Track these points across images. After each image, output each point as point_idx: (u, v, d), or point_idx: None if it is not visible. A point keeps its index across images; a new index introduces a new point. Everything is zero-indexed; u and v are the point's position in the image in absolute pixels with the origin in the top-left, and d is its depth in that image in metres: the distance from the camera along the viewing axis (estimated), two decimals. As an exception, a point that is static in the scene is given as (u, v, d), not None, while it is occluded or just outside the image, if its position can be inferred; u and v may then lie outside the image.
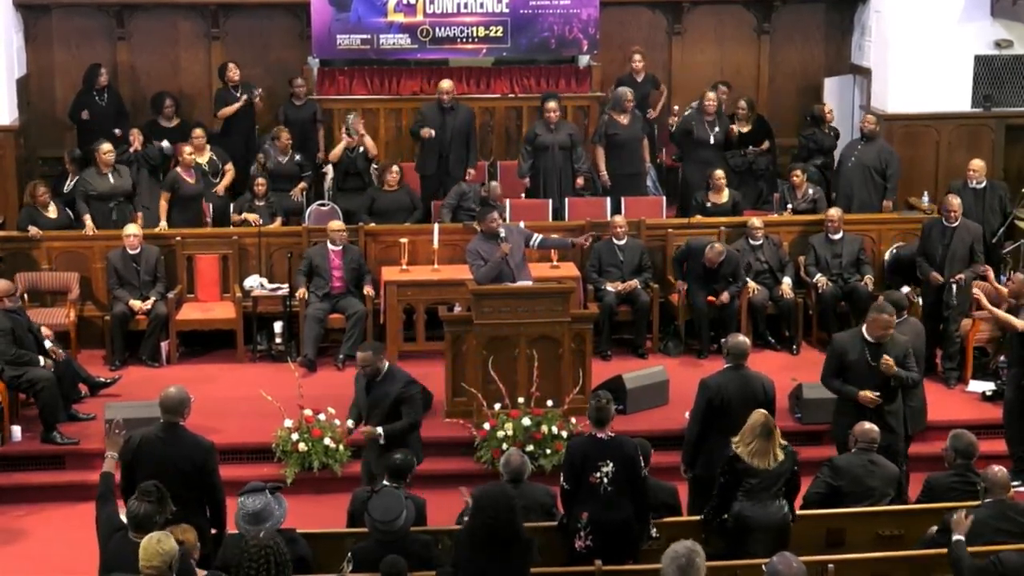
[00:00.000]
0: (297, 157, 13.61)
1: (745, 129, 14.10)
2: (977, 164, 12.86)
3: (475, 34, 14.23)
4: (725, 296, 12.15)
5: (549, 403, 10.47)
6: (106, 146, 12.71)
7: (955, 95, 14.24)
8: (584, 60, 14.66)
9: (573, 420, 10.35)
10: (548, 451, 10.19)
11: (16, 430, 10.52)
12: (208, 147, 13.44)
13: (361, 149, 13.65)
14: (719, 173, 13.18)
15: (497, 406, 10.45)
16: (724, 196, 13.16)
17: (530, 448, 10.07)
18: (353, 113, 13.80)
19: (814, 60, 15.59)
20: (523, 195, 13.55)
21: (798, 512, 7.99)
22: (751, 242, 12.57)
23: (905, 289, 11.47)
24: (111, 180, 12.68)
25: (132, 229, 12.12)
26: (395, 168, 13.21)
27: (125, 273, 12.07)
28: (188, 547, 6.59)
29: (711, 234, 12.63)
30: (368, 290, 12.23)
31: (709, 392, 8.73)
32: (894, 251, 12.83)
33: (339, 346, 12.09)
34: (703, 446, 8.77)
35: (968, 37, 14.09)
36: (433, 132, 13.34)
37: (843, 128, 14.74)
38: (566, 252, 12.48)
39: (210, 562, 7.22)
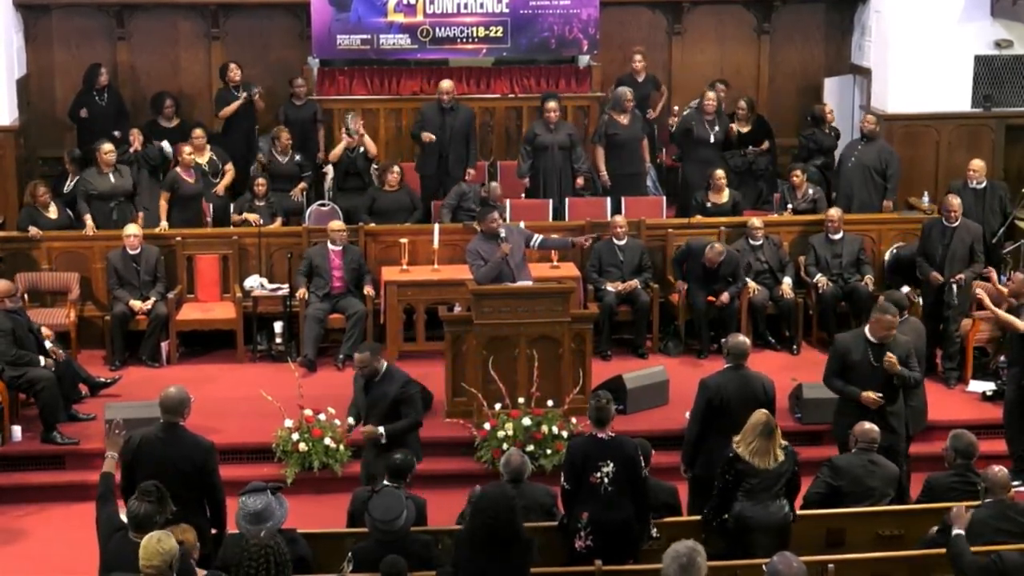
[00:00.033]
0: (297, 157, 13.61)
1: (745, 129, 14.11)
2: (977, 164, 12.86)
3: (475, 34, 14.23)
4: (725, 296, 12.15)
5: (549, 403, 10.47)
6: (107, 146, 12.71)
7: (955, 95, 14.24)
8: (584, 60, 14.66)
9: (573, 420, 10.35)
10: (548, 451, 10.19)
11: (16, 430, 10.52)
12: (208, 147, 13.44)
13: (361, 149, 13.65)
14: (719, 173, 13.18)
15: (497, 406, 10.45)
16: (724, 196, 13.16)
17: (530, 448, 10.07)
18: (352, 113, 13.79)
19: (814, 60, 15.59)
20: (523, 195, 13.55)
21: (798, 512, 7.99)
22: (751, 242, 12.57)
23: (905, 289, 11.47)
24: (112, 180, 12.68)
25: (132, 229, 12.12)
26: (396, 168, 13.20)
27: (125, 273, 12.07)
28: (188, 547, 6.59)
29: (711, 234, 12.63)
30: (368, 290, 12.23)
31: (709, 392, 8.73)
32: (894, 251, 12.83)
33: (339, 346, 12.10)
34: (703, 446, 8.77)
35: (968, 37, 14.09)
36: (434, 137, 13.34)
37: (843, 128, 14.74)
38: (566, 252, 12.48)
39: (210, 562, 7.22)
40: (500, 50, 14.40)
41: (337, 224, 12.38)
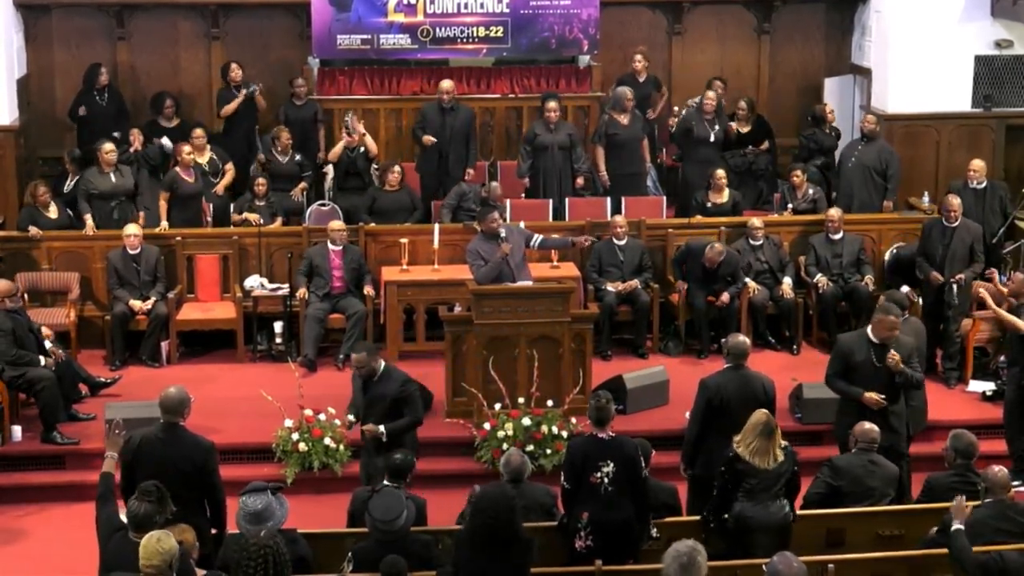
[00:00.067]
0: (297, 157, 13.60)
1: (745, 129, 14.11)
2: (977, 164, 12.85)
3: (475, 34, 14.23)
4: (725, 296, 12.15)
5: (549, 403, 10.47)
6: (108, 145, 12.71)
7: (955, 95, 14.24)
8: (584, 60, 14.66)
9: (573, 420, 10.35)
10: (548, 451, 10.19)
11: (16, 430, 10.52)
12: (208, 147, 13.45)
13: (362, 149, 13.64)
14: (720, 172, 13.18)
15: (497, 406, 10.45)
16: (724, 196, 13.16)
17: (530, 448, 10.07)
18: (351, 112, 13.79)
19: (814, 60, 15.59)
20: (523, 195, 13.55)
21: (798, 512, 7.99)
22: (751, 242, 12.57)
23: (905, 289, 11.47)
24: (113, 179, 12.68)
25: (132, 229, 12.12)
26: (396, 168, 13.20)
27: (125, 273, 12.08)
28: (187, 547, 6.59)
29: (711, 234, 12.63)
30: (368, 290, 12.23)
31: (708, 392, 8.73)
32: (894, 251, 12.83)
33: (339, 346, 12.09)
34: (702, 446, 8.77)
35: (968, 37, 14.09)
36: (435, 139, 13.34)
37: (843, 128, 14.74)
38: (566, 252, 12.48)
39: (211, 562, 7.22)
40: (500, 50, 14.40)
41: (337, 224, 12.38)
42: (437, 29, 14.16)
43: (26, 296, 11.81)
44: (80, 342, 12.21)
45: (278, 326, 12.19)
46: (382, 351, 11.46)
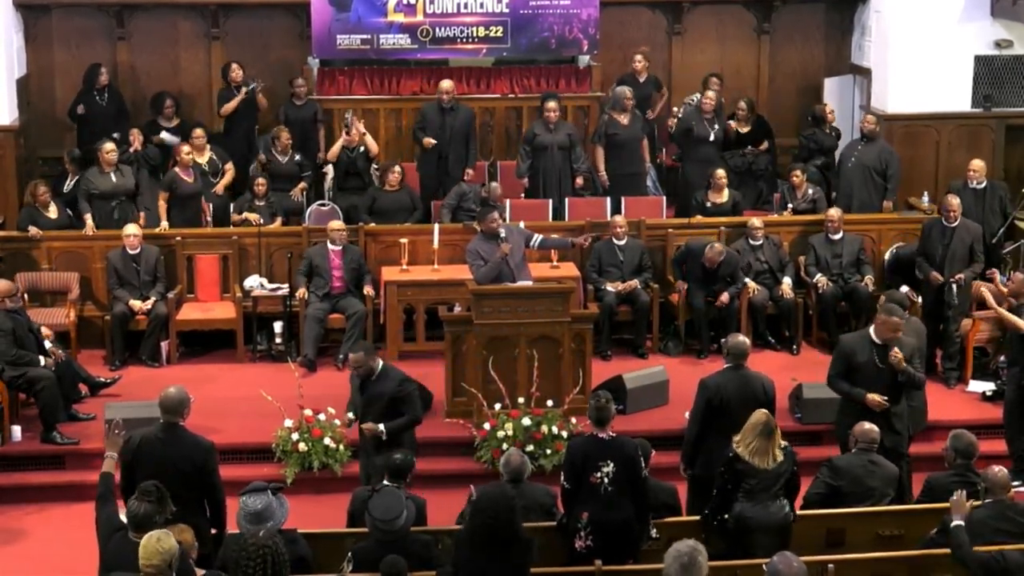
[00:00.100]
0: (297, 157, 13.60)
1: (745, 129, 14.11)
2: (977, 164, 12.85)
3: (475, 34, 14.23)
4: (725, 297, 12.15)
5: (549, 403, 10.47)
6: (108, 145, 12.71)
7: (955, 95, 14.24)
8: (584, 60, 14.65)
9: (573, 420, 10.35)
10: (548, 451, 10.19)
11: (16, 430, 10.52)
12: (208, 147, 13.45)
13: (362, 149, 13.64)
14: (720, 172, 13.17)
15: (497, 406, 10.45)
16: (724, 196, 13.16)
17: (530, 448, 10.07)
18: (350, 111, 13.79)
19: (814, 60, 15.59)
20: (522, 195, 13.55)
21: (798, 512, 7.99)
22: (751, 242, 12.57)
23: (904, 289, 11.47)
24: (113, 179, 12.68)
25: (132, 229, 12.12)
26: (397, 168, 13.20)
27: (125, 273, 12.08)
28: (185, 547, 6.59)
29: (711, 234, 12.64)
30: (368, 290, 12.23)
31: (708, 392, 8.73)
32: (894, 251, 12.82)
33: (339, 346, 12.09)
34: (702, 446, 8.77)
35: (968, 37, 14.08)
36: (435, 142, 13.34)
37: (843, 128, 14.73)
38: (566, 252, 12.48)
39: (210, 562, 7.22)
40: (500, 50, 14.40)
41: (337, 224, 12.38)
42: (437, 29, 14.16)
43: (26, 296, 11.81)
44: (80, 342, 12.21)
45: (278, 326, 12.19)
46: (381, 351, 11.49)
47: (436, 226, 12.51)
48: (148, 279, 12.10)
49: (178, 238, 12.53)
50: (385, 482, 7.72)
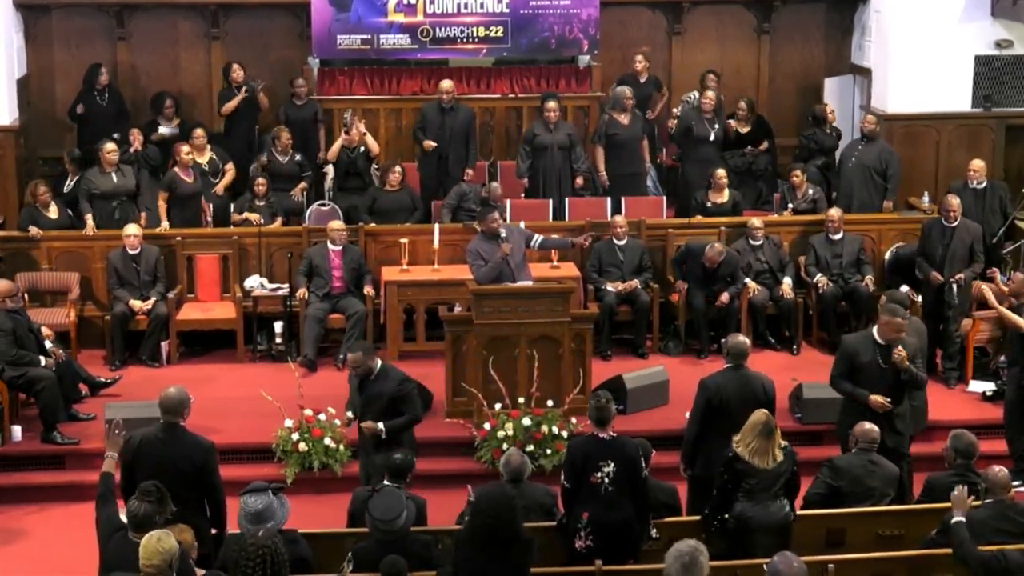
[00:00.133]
0: (297, 157, 13.60)
1: (745, 130, 14.11)
2: (977, 164, 12.85)
3: (475, 34, 14.23)
4: (725, 297, 12.15)
5: (549, 403, 10.46)
6: (109, 145, 12.71)
7: (955, 95, 14.23)
8: (584, 60, 14.66)
9: (573, 420, 10.35)
10: (548, 451, 10.19)
11: (16, 430, 10.52)
12: (208, 147, 13.45)
13: (362, 149, 13.64)
14: (720, 172, 13.17)
15: (497, 406, 10.45)
16: (724, 196, 13.16)
17: (530, 448, 10.07)
18: (349, 111, 13.80)
19: (814, 60, 15.58)
20: (522, 195, 13.55)
21: (798, 512, 7.98)
22: (751, 242, 12.57)
23: (904, 289, 11.47)
24: (114, 179, 12.68)
25: (132, 229, 12.12)
26: (397, 168, 13.21)
27: (125, 273, 12.08)
28: (185, 547, 6.59)
29: (711, 234, 12.64)
30: (368, 290, 12.23)
31: (708, 392, 8.73)
32: (894, 251, 12.82)
33: (339, 346, 12.09)
34: (702, 446, 8.77)
35: (968, 37, 14.08)
36: (434, 144, 13.34)
37: (843, 128, 14.73)
38: (566, 252, 12.48)
39: (210, 562, 7.22)
40: (500, 50, 14.40)
41: (337, 224, 12.38)
42: (437, 29, 14.16)
43: (26, 296, 11.80)
44: (80, 342, 12.21)
45: (278, 326, 12.19)
46: (382, 351, 11.49)
47: (436, 226, 12.51)
48: (148, 279, 12.10)
49: (178, 238, 12.53)
50: (385, 482, 7.72)
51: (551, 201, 13.30)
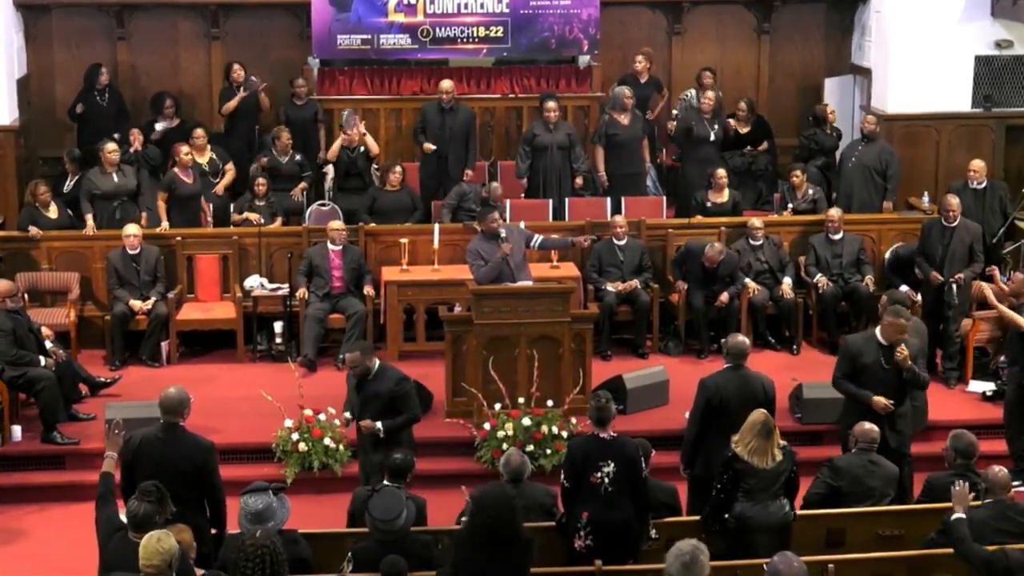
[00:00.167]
0: (298, 157, 13.60)
1: (744, 130, 14.11)
2: (977, 164, 12.85)
3: (475, 34, 14.23)
4: (724, 297, 12.16)
5: (549, 403, 10.46)
6: (111, 145, 12.72)
7: (955, 95, 14.23)
8: (584, 60, 14.65)
9: (573, 420, 10.35)
10: (548, 451, 10.19)
11: (16, 430, 10.52)
12: (209, 147, 13.45)
13: (362, 149, 13.65)
14: (721, 172, 13.17)
15: (497, 406, 10.45)
16: (724, 196, 13.16)
17: (530, 448, 10.06)
18: (348, 110, 13.80)
19: (814, 60, 15.58)
20: (522, 195, 13.55)
21: (798, 512, 7.98)
22: (751, 242, 12.57)
23: (903, 288, 11.47)
24: (115, 180, 12.68)
25: (132, 229, 12.12)
26: (398, 168, 13.21)
27: (125, 273, 12.08)
28: (184, 546, 6.59)
29: (711, 234, 12.64)
30: (368, 290, 12.23)
31: (708, 392, 8.73)
32: (894, 250, 12.81)
33: (339, 346, 12.09)
34: (701, 446, 8.77)
35: (968, 37, 14.08)
36: (434, 147, 13.34)
37: (843, 128, 14.73)
38: (566, 252, 12.48)
39: (209, 561, 7.22)
40: (500, 50, 14.40)
41: (336, 224, 12.38)
42: (437, 29, 14.16)
43: (26, 296, 11.80)
44: (80, 342, 12.21)
45: (278, 326, 12.19)
46: (382, 351, 11.50)
47: (436, 226, 12.51)
48: (148, 279, 12.10)
49: (178, 238, 12.53)
50: (385, 482, 7.72)
51: (551, 201, 13.30)
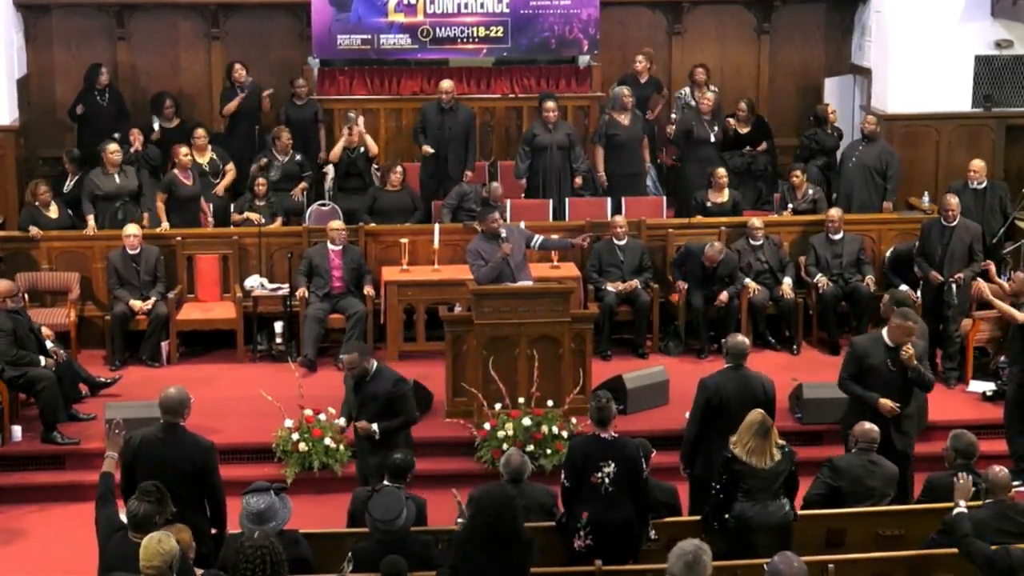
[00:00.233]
0: (298, 157, 13.60)
1: (744, 130, 14.10)
2: (977, 164, 12.85)
3: (475, 34, 14.23)
4: (724, 296, 12.16)
5: (549, 403, 10.46)
6: (112, 146, 12.72)
7: (955, 95, 14.23)
8: (584, 60, 14.65)
9: (573, 420, 10.35)
10: (548, 451, 10.19)
11: (16, 430, 10.52)
12: (210, 147, 13.45)
13: (362, 149, 13.65)
14: (721, 171, 13.17)
15: (497, 406, 10.45)
16: (724, 196, 13.16)
17: (530, 448, 10.06)
18: (353, 111, 13.80)
19: (814, 60, 15.58)
20: (522, 195, 13.55)
21: (799, 512, 7.98)
22: (751, 242, 12.57)
23: (903, 288, 11.47)
24: (117, 180, 12.69)
25: (132, 229, 12.12)
26: (399, 168, 13.21)
27: (125, 273, 12.08)
28: (183, 547, 6.58)
29: (711, 234, 12.63)
30: (368, 290, 12.23)
31: (707, 392, 8.74)
32: (893, 249, 12.81)
33: (339, 346, 12.07)
34: (701, 446, 8.78)
35: (968, 37, 14.08)
36: (432, 150, 13.34)
37: (843, 128, 14.73)
38: (566, 252, 12.48)
39: (209, 561, 7.22)
40: (500, 50, 14.40)
41: (336, 224, 12.38)
42: (437, 29, 14.16)
43: (26, 296, 11.80)
44: (80, 342, 12.21)
45: (278, 326, 12.19)
46: (382, 351, 11.51)
47: (436, 226, 12.51)
48: (148, 279, 12.10)
49: (178, 238, 12.53)
50: (385, 482, 7.71)
51: (551, 201, 13.30)
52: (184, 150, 12.94)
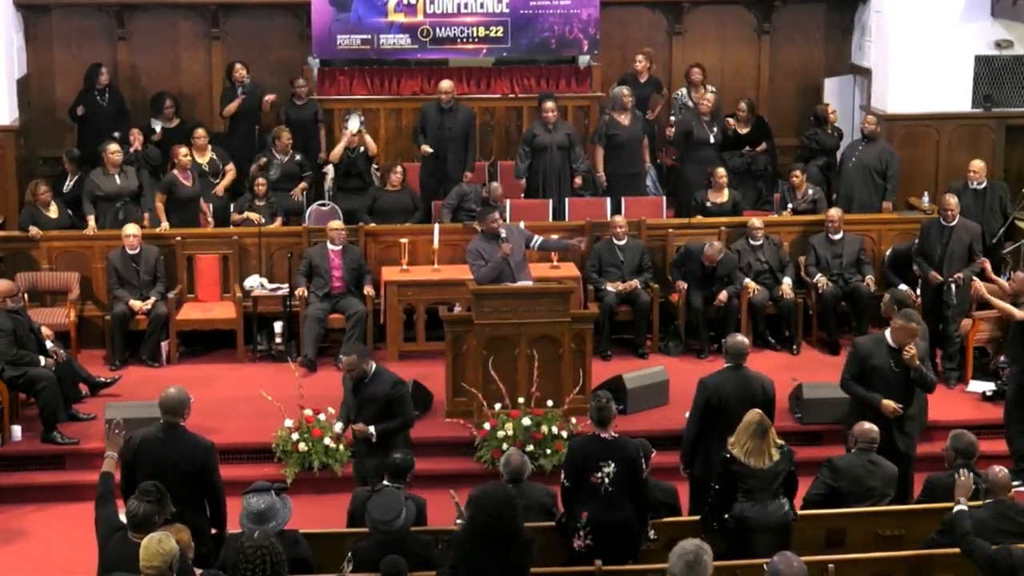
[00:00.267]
0: (298, 157, 13.60)
1: (744, 130, 14.11)
2: (977, 165, 12.85)
3: (475, 34, 14.23)
4: (723, 295, 12.16)
5: (549, 403, 10.46)
6: (113, 146, 12.72)
7: (955, 95, 14.23)
8: (584, 60, 14.65)
9: (573, 420, 10.35)
10: (548, 451, 10.19)
11: (16, 430, 10.52)
12: (210, 147, 13.45)
13: (362, 149, 13.65)
14: (721, 171, 13.17)
15: (497, 406, 10.45)
16: (724, 196, 13.16)
17: (530, 448, 10.06)
18: (354, 112, 13.80)
19: (814, 60, 15.58)
20: (522, 195, 13.55)
21: (799, 512, 7.98)
22: (751, 242, 12.57)
23: (902, 287, 11.47)
24: (117, 181, 12.69)
25: (131, 229, 12.12)
26: (399, 168, 13.21)
27: (125, 273, 12.08)
28: (182, 546, 6.58)
29: (711, 234, 12.63)
30: (368, 290, 12.23)
31: (707, 392, 8.74)
32: (893, 247, 12.81)
33: (339, 346, 12.06)
34: (701, 446, 8.78)
35: (968, 37, 14.08)
36: (431, 150, 13.34)
37: (843, 128, 14.73)
38: (566, 252, 12.48)
39: (208, 561, 7.22)
40: (500, 50, 14.40)
41: (336, 224, 12.38)
42: (437, 29, 14.16)
43: (26, 296, 11.79)
44: (80, 342, 12.21)
45: (278, 326, 12.19)
46: (382, 351, 11.51)
47: (436, 226, 12.51)
48: (148, 279, 12.10)
49: (178, 238, 12.54)
50: (385, 482, 7.72)
51: (551, 201, 13.30)
52: (184, 150, 12.95)
